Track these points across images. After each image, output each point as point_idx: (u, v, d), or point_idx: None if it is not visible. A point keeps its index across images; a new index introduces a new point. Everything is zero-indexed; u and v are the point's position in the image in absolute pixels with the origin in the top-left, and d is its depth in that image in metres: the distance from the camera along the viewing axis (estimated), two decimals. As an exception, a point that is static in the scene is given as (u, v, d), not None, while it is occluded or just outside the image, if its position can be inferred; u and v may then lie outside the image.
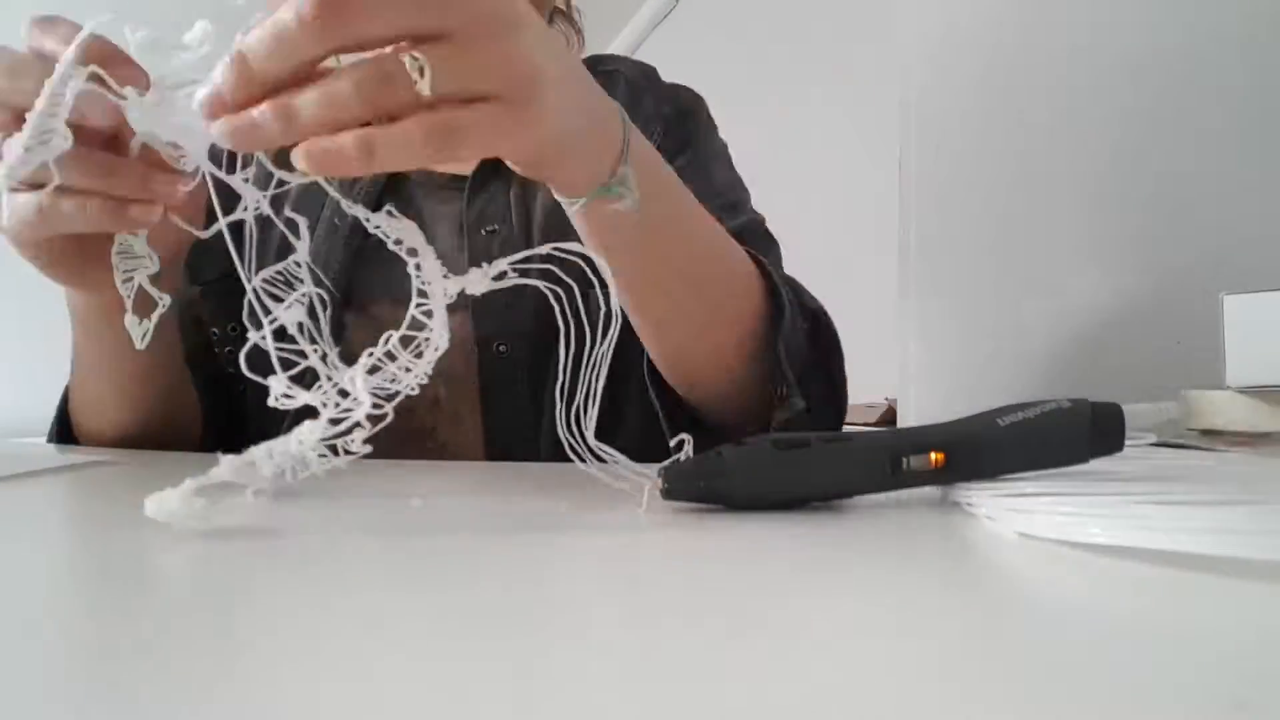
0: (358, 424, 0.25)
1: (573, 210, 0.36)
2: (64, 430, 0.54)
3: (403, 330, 0.28)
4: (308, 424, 0.25)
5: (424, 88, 0.26)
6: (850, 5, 1.26)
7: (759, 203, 0.65)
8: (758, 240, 0.58)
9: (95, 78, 0.27)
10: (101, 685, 0.13)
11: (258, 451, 0.25)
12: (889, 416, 1.54)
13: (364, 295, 0.57)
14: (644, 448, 0.55)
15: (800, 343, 0.47)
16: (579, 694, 0.12)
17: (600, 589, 0.20)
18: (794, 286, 0.49)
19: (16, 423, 0.77)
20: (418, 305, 0.28)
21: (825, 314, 0.50)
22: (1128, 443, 0.30)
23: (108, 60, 0.28)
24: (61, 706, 0.12)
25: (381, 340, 0.28)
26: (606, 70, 0.67)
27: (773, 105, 1.83)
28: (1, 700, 0.12)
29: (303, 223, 0.28)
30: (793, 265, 0.56)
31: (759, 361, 0.45)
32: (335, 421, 0.25)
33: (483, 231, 0.58)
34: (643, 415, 0.53)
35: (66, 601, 0.18)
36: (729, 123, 0.73)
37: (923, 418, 1.47)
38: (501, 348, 0.56)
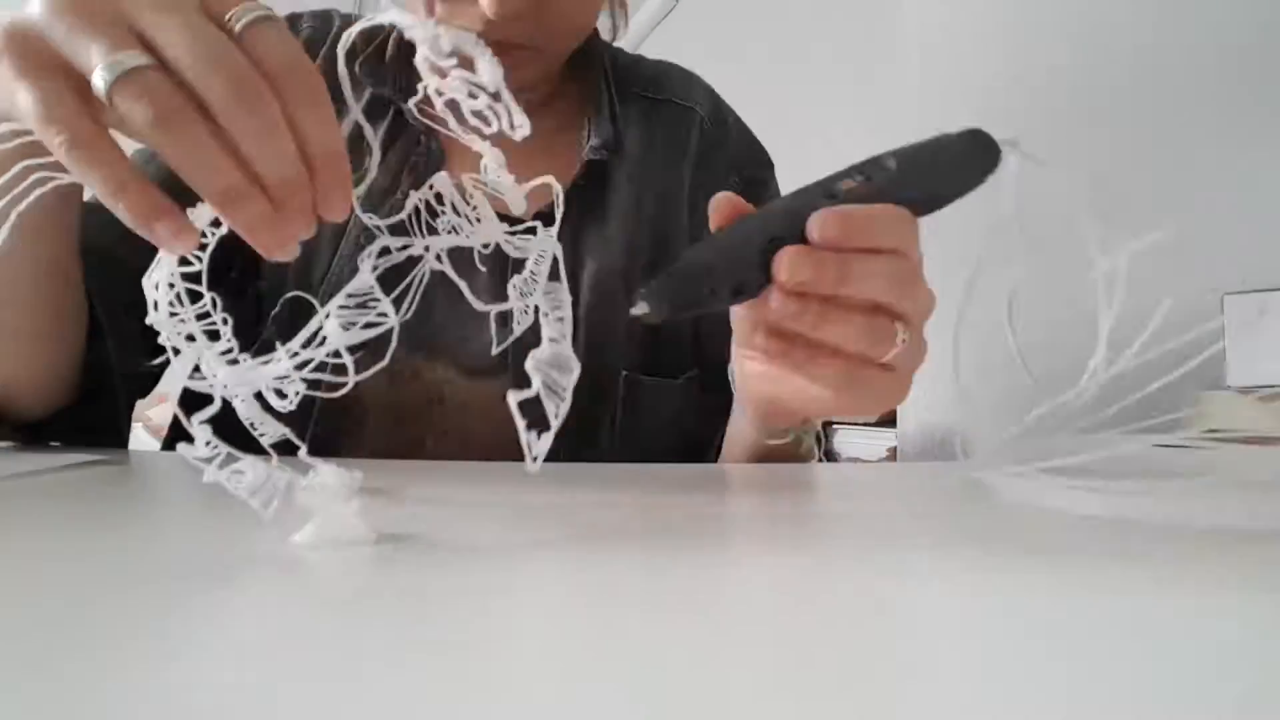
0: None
1: (768, 439, 0.48)
2: None
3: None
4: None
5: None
6: (852, 6, 1.26)
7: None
8: None
9: None
10: (100, 688, 0.13)
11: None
12: (888, 415, 1.54)
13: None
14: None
15: None
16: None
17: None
18: None
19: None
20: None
21: None
22: (1123, 432, 0.30)
23: None
24: (56, 707, 0.12)
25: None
26: (684, 105, 0.64)
27: (773, 105, 1.83)
28: (1, 702, 0.12)
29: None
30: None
31: None
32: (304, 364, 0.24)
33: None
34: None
35: (65, 602, 0.18)
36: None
37: (923, 417, 1.47)
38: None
